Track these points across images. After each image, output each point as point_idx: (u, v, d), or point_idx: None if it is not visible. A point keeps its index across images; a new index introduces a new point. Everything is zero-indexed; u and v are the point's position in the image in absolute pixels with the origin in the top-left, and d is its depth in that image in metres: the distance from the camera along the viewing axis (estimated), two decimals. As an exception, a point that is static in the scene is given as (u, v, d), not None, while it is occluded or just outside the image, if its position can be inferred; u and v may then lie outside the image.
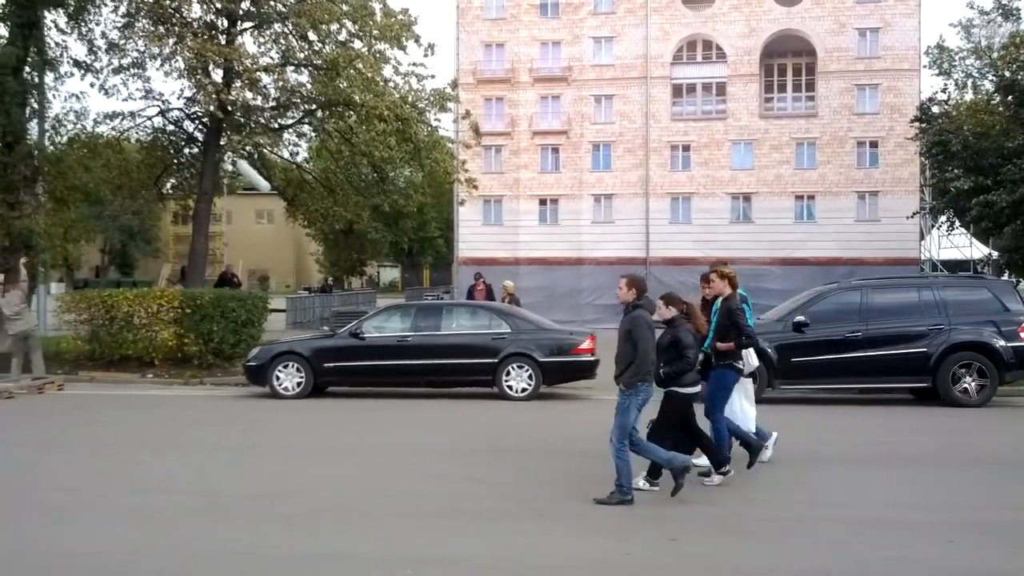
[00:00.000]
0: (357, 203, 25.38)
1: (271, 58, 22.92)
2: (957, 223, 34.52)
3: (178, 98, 23.77)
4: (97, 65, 21.93)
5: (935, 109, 30.28)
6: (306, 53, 22.60)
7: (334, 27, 22.23)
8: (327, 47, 22.36)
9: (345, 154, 24.88)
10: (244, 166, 24.85)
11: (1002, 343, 14.35)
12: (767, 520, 7.66)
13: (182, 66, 21.66)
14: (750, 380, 9.87)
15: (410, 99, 22.55)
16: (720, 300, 9.31)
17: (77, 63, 21.62)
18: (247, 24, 22.71)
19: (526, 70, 43.26)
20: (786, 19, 41.53)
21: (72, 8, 20.49)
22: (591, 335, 15.96)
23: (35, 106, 20.76)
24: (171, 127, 24.49)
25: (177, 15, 21.58)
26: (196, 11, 22.33)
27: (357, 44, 22.64)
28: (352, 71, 21.23)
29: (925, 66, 39.51)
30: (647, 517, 7.68)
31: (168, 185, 26.66)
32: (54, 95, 21.87)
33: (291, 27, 22.25)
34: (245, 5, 22.14)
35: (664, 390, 8.51)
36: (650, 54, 42.30)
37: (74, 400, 15.59)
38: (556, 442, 11.22)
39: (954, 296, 14.87)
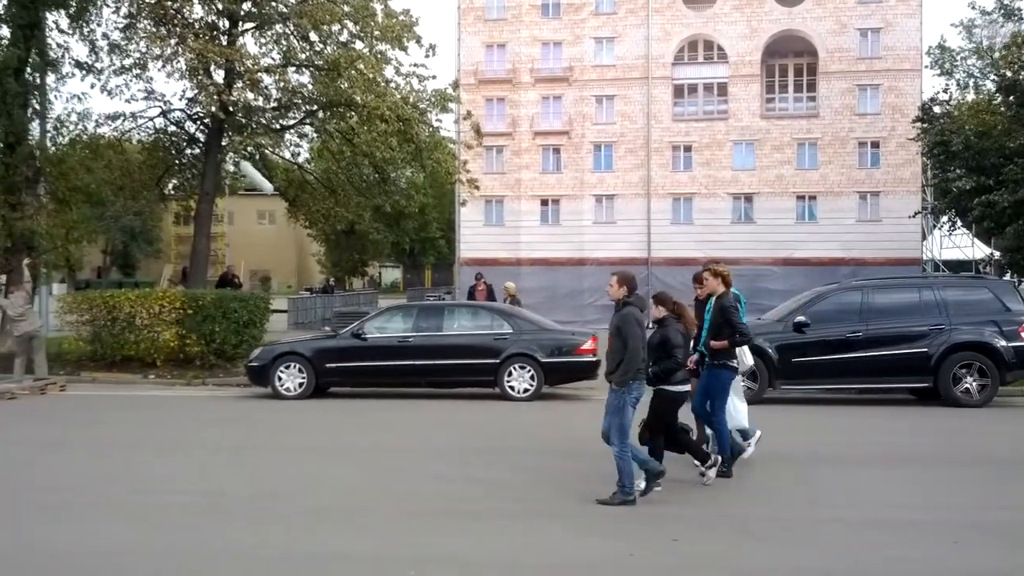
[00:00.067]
0: (359, 204, 25.39)
1: (272, 59, 22.96)
2: (959, 223, 34.47)
3: (180, 99, 23.82)
4: (98, 66, 21.95)
5: (937, 109, 30.24)
6: (307, 54, 22.61)
7: (335, 28, 22.26)
8: (328, 48, 22.37)
9: (346, 155, 24.89)
10: (247, 167, 24.86)
11: (1003, 343, 14.35)
12: (768, 520, 7.67)
13: (184, 67, 21.66)
14: (738, 376, 9.83)
15: (411, 100, 22.57)
16: (714, 298, 9.31)
17: (79, 64, 21.62)
18: (248, 25, 22.73)
19: (527, 70, 43.27)
20: (787, 19, 41.52)
21: (74, 9, 20.48)
22: (593, 335, 15.96)
23: (37, 107, 20.76)
24: (173, 128, 24.52)
25: (178, 16, 21.60)
26: (197, 12, 22.36)
27: (358, 45, 22.66)
28: (353, 72, 21.24)
29: (927, 66, 39.55)
30: (648, 517, 7.69)
31: (170, 186, 26.68)
32: (56, 96, 21.86)
33: (292, 28, 22.27)
34: (246, 6, 22.15)
35: (653, 388, 8.53)
36: (651, 54, 42.30)
37: (76, 401, 15.61)
38: (558, 442, 11.23)
39: (955, 296, 14.87)
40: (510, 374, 15.33)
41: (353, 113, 22.56)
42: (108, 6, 21.74)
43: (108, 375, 18.26)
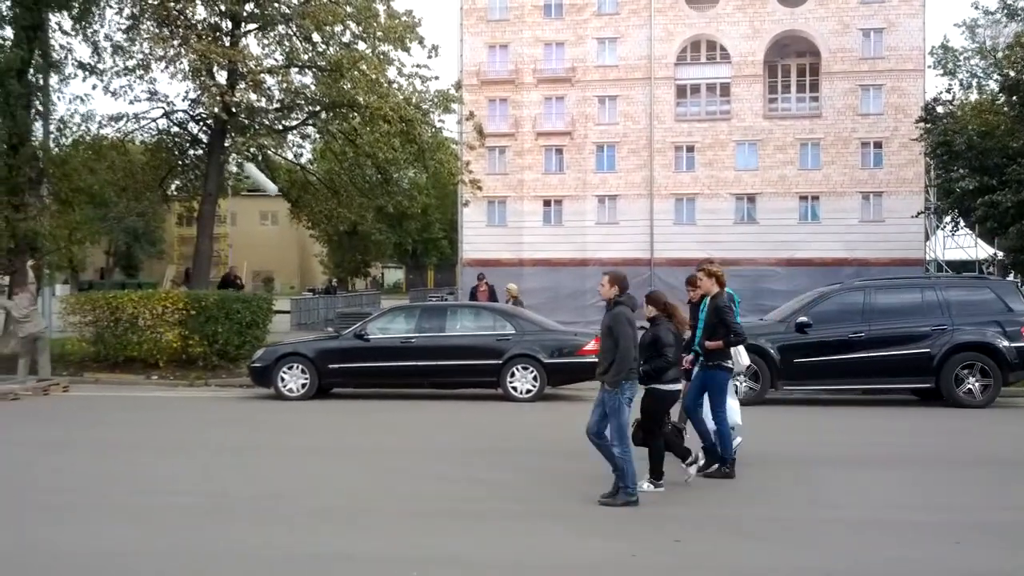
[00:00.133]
0: (361, 204, 25.41)
1: (275, 60, 22.97)
2: (962, 223, 34.45)
3: (183, 100, 23.87)
4: (101, 67, 21.98)
5: (940, 109, 30.23)
6: (310, 55, 22.63)
7: (338, 29, 22.27)
8: (331, 49, 22.38)
9: (349, 155, 24.91)
10: (251, 169, 24.91)
11: (1005, 343, 14.35)
12: (769, 521, 7.68)
13: (187, 68, 21.67)
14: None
15: (414, 100, 22.58)
16: (708, 298, 9.31)
17: (81, 65, 21.66)
18: (251, 26, 22.75)
19: (530, 71, 43.31)
20: (790, 20, 41.53)
21: (77, 11, 20.52)
22: (596, 336, 15.92)
23: (40, 108, 20.79)
24: (176, 129, 24.54)
25: (181, 17, 21.61)
26: (200, 13, 22.37)
27: (361, 46, 22.67)
28: (356, 73, 21.26)
29: (930, 66, 39.49)
30: (650, 518, 7.70)
31: (173, 187, 26.71)
32: (59, 97, 21.92)
33: (295, 29, 22.28)
34: (249, 7, 22.17)
35: (645, 388, 8.54)
36: (654, 55, 42.32)
37: (79, 401, 15.64)
38: (560, 443, 11.23)
39: (957, 296, 14.87)
40: (513, 375, 15.34)
41: (356, 114, 22.57)
42: (111, 7, 21.79)
43: (111, 376, 18.29)
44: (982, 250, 40.05)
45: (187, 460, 10.30)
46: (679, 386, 8.72)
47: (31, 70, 20.00)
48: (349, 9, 22.03)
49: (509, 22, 43.50)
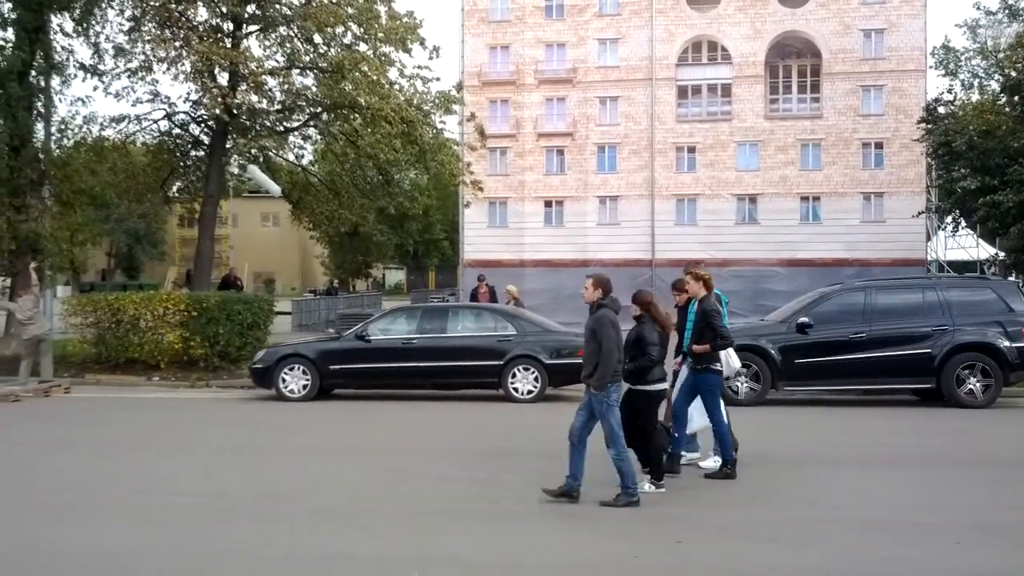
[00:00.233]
0: (362, 206, 25.43)
1: (276, 61, 23.01)
2: (963, 224, 34.45)
3: (184, 101, 23.86)
4: (102, 68, 22.01)
5: (941, 110, 30.24)
6: (311, 56, 22.64)
7: (339, 30, 22.31)
8: (332, 50, 22.41)
9: (350, 157, 24.94)
10: (255, 170, 24.92)
11: (1006, 344, 14.32)
12: (770, 521, 7.68)
13: (188, 69, 21.71)
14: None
15: (415, 102, 22.61)
16: (696, 302, 9.30)
17: (83, 67, 21.69)
18: (252, 27, 22.77)
19: (531, 72, 43.32)
20: (791, 20, 41.54)
21: (78, 12, 20.55)
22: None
23: (41, 110, 20.82)
24: (177, 130, 24.57)
25: (183, 18, 21.64)
26: (202, 14, 22.41)
27: (362, 47, 22.70)
28: (357, 74, 21.28)
29: (931, 67, 39.48)
30: (651, 518, 7.70)
31: (174, 188, 26.75)
32: (60, 99, 21.94)
33: (296, 30, 22.30)
34: (250, 9, 22.19)
35: (632, 388, 8.56)
36: (655, 55, 42.32)
37: (80, 403, 15.65)
38: (561, 444, 11.13)
39: (958, 297, 14.84)
40: (514, 376, 15.34)
41: (357, 115, 22.60)
42: (112, 8, 21.82)
43: (112, 377, 18.30)
44: (983, 250, 40.02)
45: (187, 460, 10.31)
46: (664, 385, 8.73)
47: (33, 72, 20.03)
48: (350, 10, 22.06)
49: (510, 23, 43.53)
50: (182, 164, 25.30)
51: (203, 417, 14.09)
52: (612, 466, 8.08)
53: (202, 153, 24.56)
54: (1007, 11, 33.49)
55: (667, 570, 6.46)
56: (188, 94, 23.78)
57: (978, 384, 14.24)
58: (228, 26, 22.53)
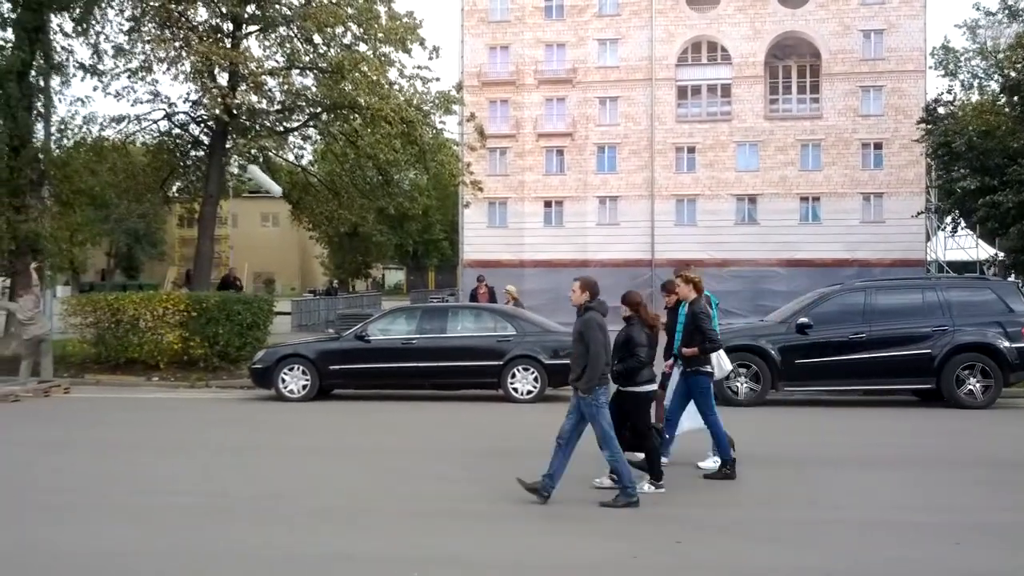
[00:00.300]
0: (362, 206, 25.43)
1: (276, 61, 23.01)
2: (963, 224, 34.47)
3: (184, 102, 23.86)
4: (101, 68, 22.00)
5: (941, 110, 30.26)
6: (311, 56, 22.64)
7: (339, 30, 22.31)
8: (332, 50, 22.41)
9: (350, 157, 24.93)
10: (256, 171, 24.93)
11: (1006, 344, 14.32)
12: (770, 521, 7.68)
13: (188, 69, 21.72)
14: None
15: (415, 102, 22.61)
16: (686, 304, 9.30)
17: (83, 67, 21.68)
18: (252, 28, 22.77)
19: (531, 72, 43.32)
20: (791, 21, 41.55)
21: (78, 12, 20.54)
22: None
23: (41, 110, 20.81)
24: (177, 130, 24.57)
25: (183, 19, 21.64)
26: (202, 15, 22.41)
27: (362, 47, 22.69)
28: (357, 74, 21.28)
29: (931, 67, 39.47)
30: (651, 519, 7.70)
31: (174, 188, 26.75)
32: (60, 99, 21.94)
33: (296, 30, 22.31)
34: (250, 9, 22.18)
35: (622, 390, 8.56)
36: (655, 56, 42.33)
37: (80, 403, 15.65)
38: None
39: (958, 297, 14.84)
40: (513, 376, 15.34)
41: (357, 115, 22.60)
42: (112, 8, 21.81)
43: (112, 377, 18.30)
44: (983, 251, 40.04)
45: (187, 460, 10.31)
46: (653, 386, 8.74)
47: (32, 72, 20.02)
48: (350, 11, 22.06)
49: (510, 23, 43.53)
50: (182, 164, 25.29)
51: (203, 417, 14.08)
52: (609, 467, 8.08)
53: (202, 153, 24.56)
54: (1007, 11, 33.50)
55: (666, 570, 6.46)
56: (188, 94, 23.81)
57: (978, 385, 14.24)
58: (228, 26, 22.53)
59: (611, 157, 43.18)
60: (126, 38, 22.09)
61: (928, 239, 41.29)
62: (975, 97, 33.84)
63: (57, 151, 21.52)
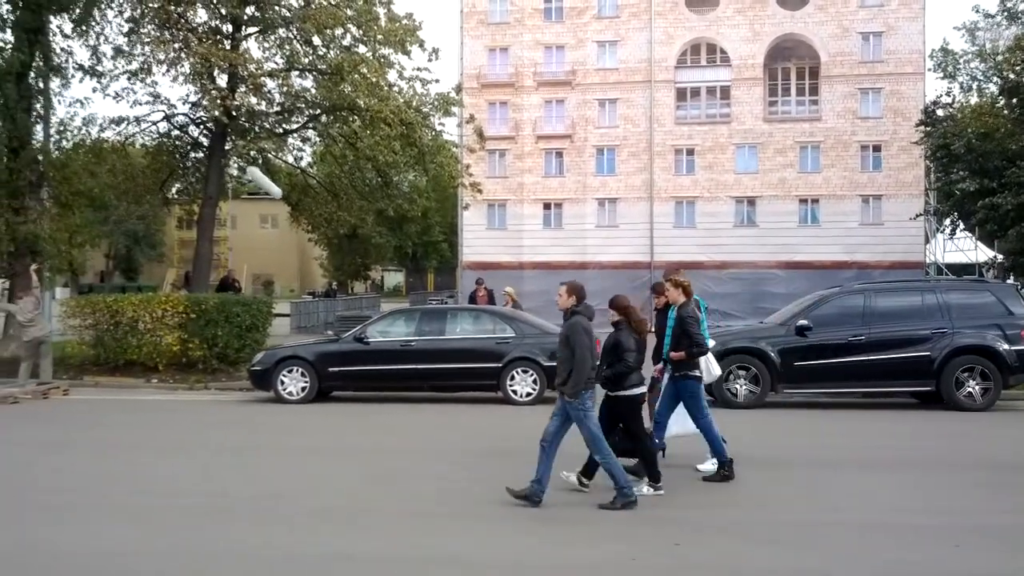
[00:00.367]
0: (361, 207, 25.41)
1: (276, 63, 22.99)
2: (962, 226, 34.49)
3: (183, 103, 23.85)
4: (100, 69, 21.99)
5: (939, 112, 30.28)
6: (310, 58, 22.64)
7: (338, 32, 22.30)
8: (331, 52, 22.41)
9: (349, 159, 24.92)
10: (256, 172, 24.94)
11: (1006, 346, 14.33)
12: (769, 523, 7.67)
13: (187, 71, 21.71)
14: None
15: (414, 103, 22.60)
16: (676, 308, 9.29)
17: (82, 68, 21.68)
18: (252, 29, 22.77)
19: (530, 74, 43.32)
20: (790, 23, 41.57)
21: (77, 14, 20.54)
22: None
23: (40, 111, 20.81)
24: (176, 132, 24.55)
25: (182, 20, 21.65)
26: (201, 16, 22.41)
27: (361, 49, 22.69)
28: (356, 76, 21.28)
29: (929, 69, 39.58)
30: (650, 520, 7.70)
31: (173, 190, 26.72)
32: (59, 100, 21.93)
33: (295, 32, 22.30)
34: (250, 10, 22.18)
35: (611, 394, 8.56)
36: (654, 58, 42.34)
37: (79, 405, 15.64)
38: (561, 446, 11.21)
39: (957, 300, 14.85)
40: (512, 378, 15.33)
41: (356, 117, 22.59)
42: (111, 10, 21.81)
43: (111, 379, 18.29)
44: (982, 253, 40.08)
45: (186, 461, 10.31)
46: (643, 389, 8.72)
47: (31, 73, 20.01)
48: (349, 12, 22.06)
49: (509, 25, 43.54)
50: (181, 166, 25.28)
51: (202, 419, 14.08)
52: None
53: (201, 155, 24.55)
54: (1006, 14, 33.58)
55: (666, 572, 6.47)
56: (187, 96, 23.79)
57: (977, 387, 14.25)
58: (227, 28, 22.53)
59: (610, 159, 43.18)
60: (125, 39, 22.11)
61: (927, 241, 41.31)
62: (974, 99, 33.91)
63: (56, 153, 21.51)
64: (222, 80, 21.90)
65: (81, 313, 18.85)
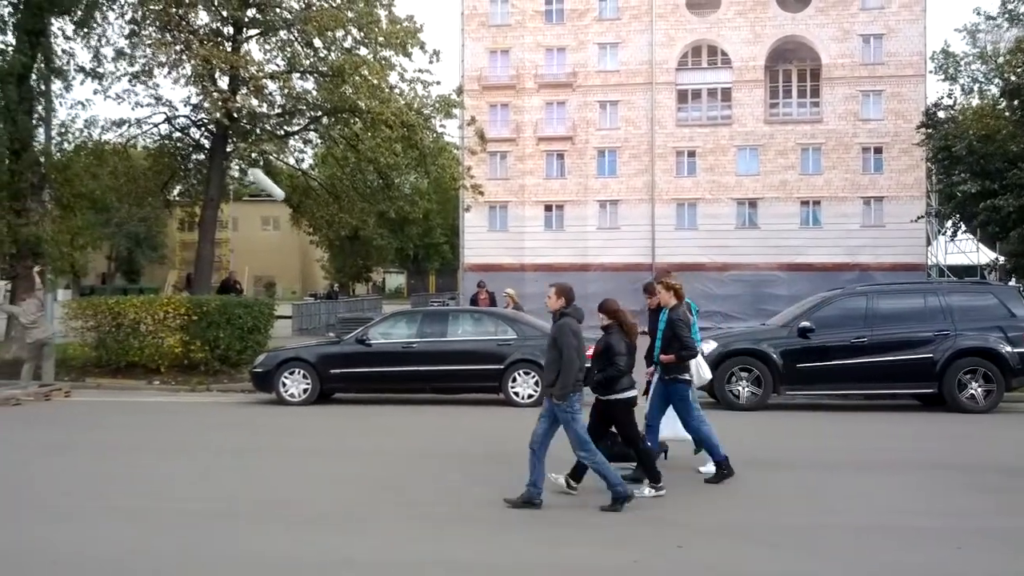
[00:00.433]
0: (363, 209, 25.43)
1: (277, 65, 23.01)
2: (963, 228, 34.47)
3: (185, 105, 23.88)
4: (100, 71, 22.01)
5: (941, 114, 30.26)
6: (312, 60, 22.66)
7: (340, 34, 22.32)
8: (333, 54, 22.42)
9: (351, 161, 24.94)
10: (259, 174, 24.96)
11: (1008, 349, 14.31)
12: (772, 526, 7.66)
13: (188, 73, 21.75)
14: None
15: (416, 105, 22.61)
16: (667, 311, 9.28)
17: (83, 70, 21.69)
18: (253, 31, 22.80)
19: (531, 76, 43.34)
20: (791, 25, 41.58)
21: (79, 16, 20.55)
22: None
23: (42, 113, 20.82)
24: (178, 134, 24.58)
25: (184, 22, 21.66)
26: (203, 18, 22.43)
27: (363, 51, 22.71)
28: (358, 78, 21.30)
29: (931, 71, 39.49)
30: (651, 523, 7.69)
31: (175, 192, 26.75)
32: (60, 103, 21.97)
33: (297, 34, 22.32)
34: (251, 12, 22.21)
35: (604, 399, 8.54)
36: (655, 60, 42.35)
37: (80, 406, 15.63)
38: (562, 448, 11.19)
39: (960, 302, 14.83)
40: (514, 380, 15.31)
41: (357, 119, 22.61)
42: (113, 12, 21.84)
43: (113, 381, 18.29)
44: (984, 255, 40.07)
45: (188, 463, 10.30)
46: (634, 392, 8.68)
47: (33, 75, 20.02)
48: (351, 14, 22.07)
49: (510, 27, 43.56)
50: (183, 168, 25.31)
51: (203, 421, 14.07)
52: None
53: (203, 157, 24.57)
54: (1007, 16, 33.54)
55: (667, 574, 6.46)
56: (189, 98, 23.88)
57: (980, 389, 14.23)
58: (228, 30, 22.55)
59: (611, 161, 43.19)
60: (127, 41, 22.17)
61: (929, 243, 41.30)
62: (975, 101, 33.87)
63: (58, 155, 21.52)
64: (223, 82, 21.92)
65: (83, 315, 18.85)
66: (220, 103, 20.73)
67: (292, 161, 26.52)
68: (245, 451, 11.21)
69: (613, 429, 8.78)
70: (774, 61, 41.78)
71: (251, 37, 22.98)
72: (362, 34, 22.56)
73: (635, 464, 8.95)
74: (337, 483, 9.32)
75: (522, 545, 7.10)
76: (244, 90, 21.90)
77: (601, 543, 7.11)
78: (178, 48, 21.47)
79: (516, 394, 15.25)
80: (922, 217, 37.29)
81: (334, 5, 21.99)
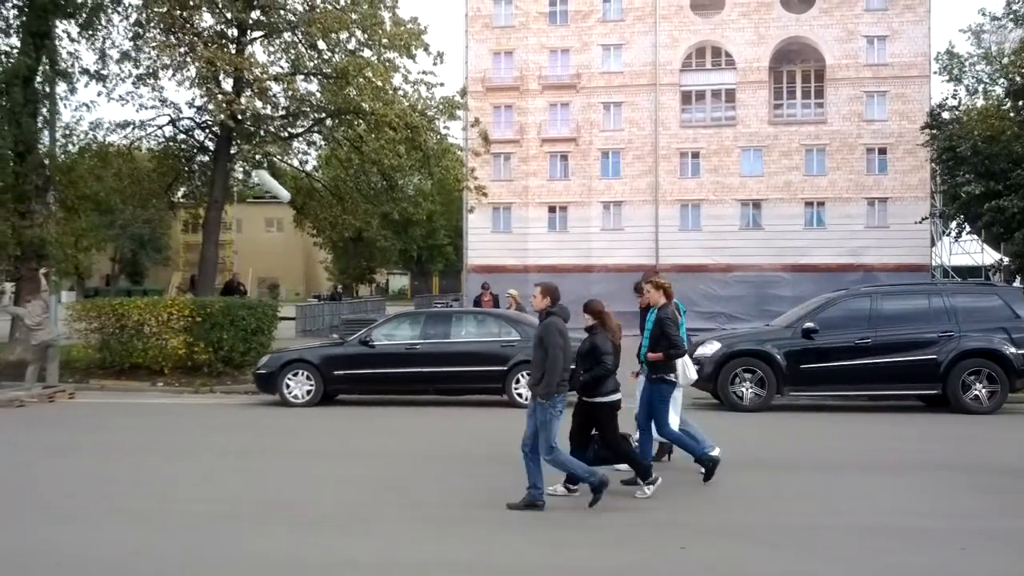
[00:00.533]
0: (366, 211, 25.46)
1: (281, 67, 23.06)
2: (968, 229, 34.43)
3: (189, 107, 23.94)
4: (104, 73, 22.06)
5: (945, 115, 30.25)
6: (316, 62, 22.70)
7: (343, 36, 22.37)
8: (336, 56, 22.47)
9: (355, 162, 24.97)
10: (265, 176, 25.00)
11: (1012, 350, 14.29)
12: (774, 527, 7.65)
13: (193, 75, 21.79)
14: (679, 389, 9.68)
15: (419, 107, 22.65)
16: (656, 310, 9.27)
17: (88, 73, 21.74)
18: (257, 33, 22.84)
19: (535, 77, 43.35)
20: (795, 26, 41.56)
21: (84, 18, 20.60)
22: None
23: (46, 116, 20.87)
24: (182, 136, 24.64)
25: (188, 24, 21.71)
26: (207, 20, 22.48)
27: (366, 53, 22.75)
28: (361, 79, 21.33)
29: (935, 72, 39.45)
30: (655, 524, 7.68)
31: (179, 194, 26.82)
32: (65, 105, 22.02)
33: (301, 36, 22.37)
34: (255, 15, 22.26)
35: (589, 401, 8.52)
36: (659, 61, 42.35)
37: (84, 408, 15.65)
38: (564, 449, 11.20)
39: (964, 303, 14.81)
40: (518, 381, 15.28)
41: (361, 121, 22.65)
42: (117, 14, 21.90)
43: (116, 383, 18.31)
44: (988, 256, 40.01)
45: (191, 465, 10.31)
46: (619, 395, 8.66)
47: (38, 77, 20.07)
48: (355, 16, 22.11)
49: (514, 29, 43.58)
50: (187, 170, 25.36)
51: (207, 422, 14.08)
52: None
53: (207, 159, 24.62)
54: (1011, 16, 33.48)
55: (667, 575, 6.46)
56: (193, 100, 23.88)
57: (984, 390, 14.21)
58: (233, 32, 22.60)
59: (615, 162, 43.20)
60: (131, 44, 22.22)
61: (933, 244, 41.26)
62: (980, 102, 33.83)
63: (62, 156, 21.58)
64: (228, 84, 21.97)
65: (87, 317, 18.87)
66: (224, 105, 20.77)
67: (296, 163, 26.60)
68: (249, 452, 11.22)
69: (594, 432, 8.76)
70: (778, 62, 41.76)
71: (255, 39, 23.03)
72: (366, 36, 22.60)
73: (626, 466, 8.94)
74: (341, 484, 9.33)
75: (524, 546, 7.10)
76: (248, 92, 21.94)
77: (602, 544, 7.11)
78: (182, 50, 21.52)
79: (519, 395, 15.20)
80: (926, 218, 37.25)
81: (338, 7, 22.03)
